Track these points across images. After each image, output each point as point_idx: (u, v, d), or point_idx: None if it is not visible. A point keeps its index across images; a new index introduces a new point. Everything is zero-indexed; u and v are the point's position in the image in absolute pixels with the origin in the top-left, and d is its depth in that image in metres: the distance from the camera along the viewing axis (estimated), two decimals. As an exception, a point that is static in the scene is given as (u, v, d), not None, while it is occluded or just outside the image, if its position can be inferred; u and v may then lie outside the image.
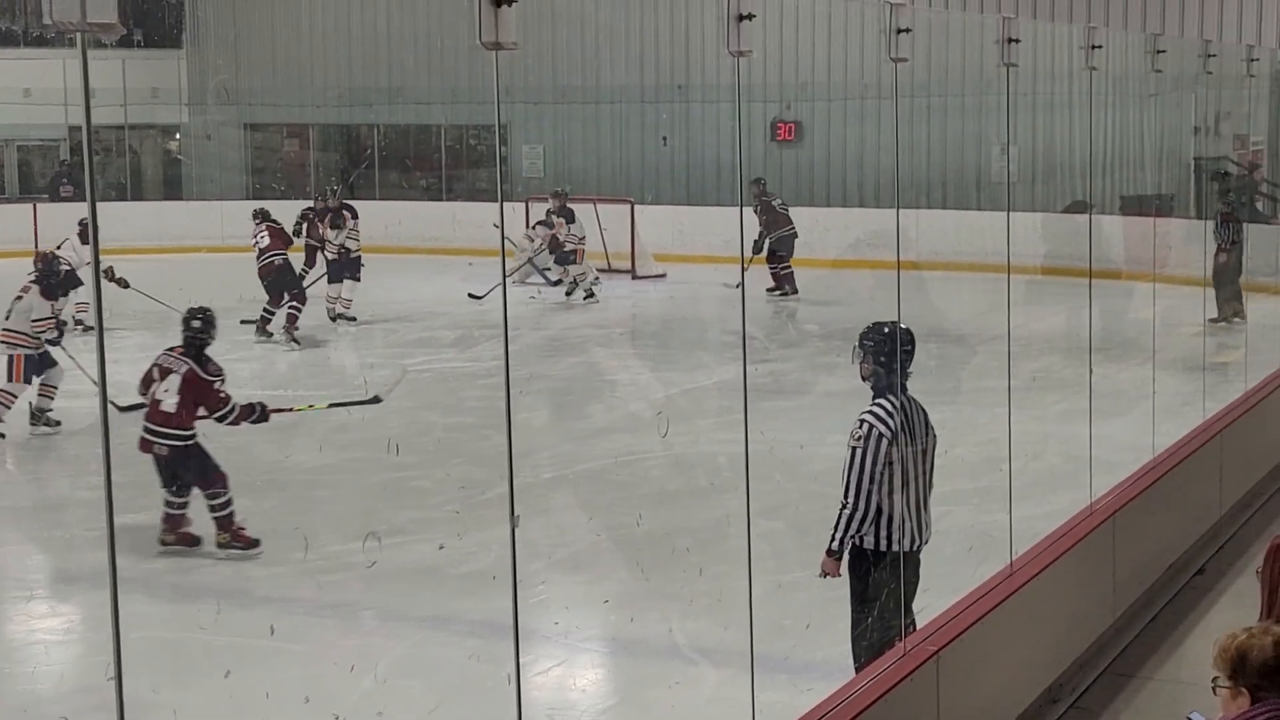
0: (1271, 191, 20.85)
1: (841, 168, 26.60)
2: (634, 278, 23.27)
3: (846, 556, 6.79)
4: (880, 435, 6.64)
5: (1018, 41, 7.71)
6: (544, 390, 14.42)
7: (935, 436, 6.97)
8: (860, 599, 6.82)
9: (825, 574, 6.83)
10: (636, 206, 24.08)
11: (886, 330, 6.98)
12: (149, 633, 7.92)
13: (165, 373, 9.63)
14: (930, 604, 6.90)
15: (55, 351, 13.30)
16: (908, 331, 6.96)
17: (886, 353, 6.87)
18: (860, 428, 6.69)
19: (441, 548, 9.45)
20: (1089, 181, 11.66)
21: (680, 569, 9.05)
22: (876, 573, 6.72)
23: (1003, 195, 20.12)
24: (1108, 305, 11.61)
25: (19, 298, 13.42)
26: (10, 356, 13.10)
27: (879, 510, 6.66)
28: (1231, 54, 15.67)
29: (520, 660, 5.03)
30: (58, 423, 13.23)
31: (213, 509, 9.57)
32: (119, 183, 29.41)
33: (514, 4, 4.24)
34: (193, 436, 9.60)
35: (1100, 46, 9.02)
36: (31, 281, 13.52)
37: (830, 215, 24.79)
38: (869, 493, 6.63)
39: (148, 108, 29.65)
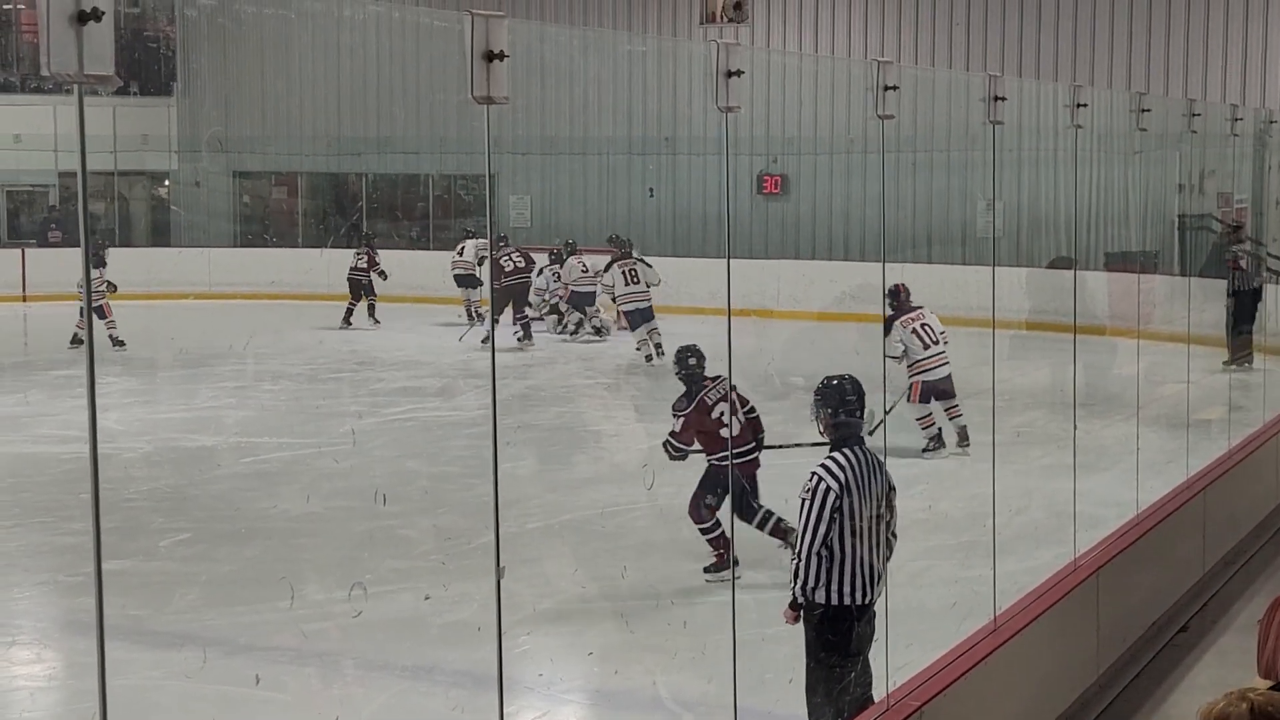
0: (1255, 250, 20.96)
1: (827, 221, 26.72)
2: (619, 329, 23.27)
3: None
4: (828, 488, 6.59)
5: (1003, 99, 7.78)
6: (529, 440, 14.41)
7: (894, 488, 6.93)
8: (813, 653, 6.74)
9: (788, 622, 6.83)
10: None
11: (836, 383, 6.97)
12: (133, 680, 7.90)
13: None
14: (913, 659, 6.90)
15: None
16: (855, 382, 6.97)
17: (841, 406, 6.86)
18: (810, 480, 6.70)
19: (427, 598, 9.43)
20: (1074, 237, 11.69)
21: (664, 621, 9.05)
22: (830, 626, 6.64)
23: (988, 250, 20.21)
24: (1092, 361, 11.67)
25: None
26: None
27: (832, 563, 6.61)
28: (1216, 113, 15.79)
29: (504, 711, 5.03)
30: None
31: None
32: (108, 229, 29.44)
33: (505, 59, 4.28)
34: None
35: (1085, 105, 9.10)
36: None
37: (816, 268, 24.91)
38: (812, 543, 6.57)
39: (137, 154, 29.73)
